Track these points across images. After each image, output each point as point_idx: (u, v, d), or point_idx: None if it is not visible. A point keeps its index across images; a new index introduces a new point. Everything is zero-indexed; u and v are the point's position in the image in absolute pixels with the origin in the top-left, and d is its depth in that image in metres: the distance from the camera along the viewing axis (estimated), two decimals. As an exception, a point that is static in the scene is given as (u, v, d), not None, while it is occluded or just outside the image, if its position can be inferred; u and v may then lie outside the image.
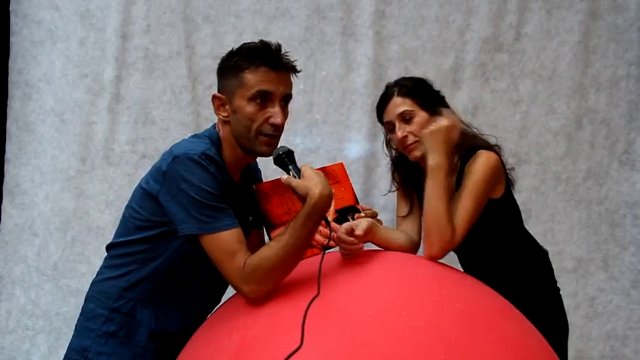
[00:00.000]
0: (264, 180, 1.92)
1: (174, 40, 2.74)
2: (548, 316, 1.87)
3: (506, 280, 1.83)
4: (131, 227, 1.71)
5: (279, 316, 1.43)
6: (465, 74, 2.78)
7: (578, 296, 2.80)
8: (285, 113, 1.67)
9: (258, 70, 1.62)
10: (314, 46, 2.76)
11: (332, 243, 1.60)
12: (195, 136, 1.74)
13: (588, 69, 2.81)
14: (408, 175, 2.00)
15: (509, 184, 1.91)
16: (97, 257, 2.52)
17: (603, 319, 2.81)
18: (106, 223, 2.69)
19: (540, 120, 2.80)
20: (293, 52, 1.69)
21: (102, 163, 2.73)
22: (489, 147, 1.86)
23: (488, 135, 1.95)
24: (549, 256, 2.02)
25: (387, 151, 2.05)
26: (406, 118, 1.86)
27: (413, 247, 1.90)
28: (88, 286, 1.80)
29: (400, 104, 1.87)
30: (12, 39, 2.78)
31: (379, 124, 2.01)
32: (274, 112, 1.63)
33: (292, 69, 1.67)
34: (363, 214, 1.81)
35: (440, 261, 1.71)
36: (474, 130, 1.95)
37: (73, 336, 1.77)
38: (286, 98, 1.68)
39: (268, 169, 1.83)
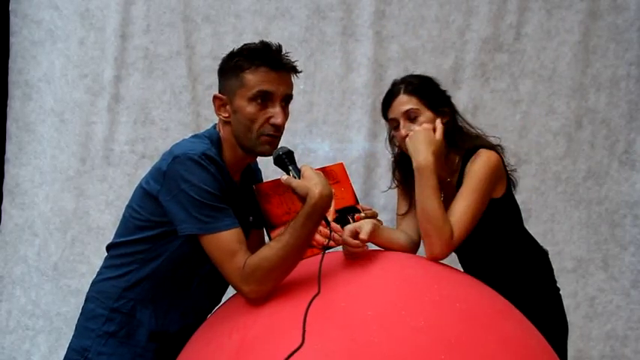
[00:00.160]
0: (264, 180, 1.92)
1: (174, 40, 2.74)
2: (548, 316, 1.87)
3: (506, 280, 1.83)
4: (131, 227, 1.71)
5: (279, 316, 1.43)
6: (465, 74, 2.78)
7: (578, 296, 2.80)
8: (285, 113, 1.67)
9: (258, 71, 1.62)
10: (314, 46, 2.76)
11: (332, 243, 1.60)
12: (195, 136, 1.74)
13: (588, 69, 2.81)
14: (409, 173, 1.99)
15: (509, 184, 1.91)
16: (97, 257, 2.52)
17: (603, 319, 2.82)
18: (106, 223, 2.69)
19: (540, 120, 2.80)
20: (293, 52, 1.69)
21: (102, 163, 2.73)
22: (490, 147, 1.86)
23: (492, 136, 1.95)
24: (549, 256, 2.02)
25: (389, 148, 2.05)
26: (411, 116, 1.85)
27: (413, 247, 1.90)
28: (88, 286, 1.80)
29: (406, 102, 1.85)
30: (12, 39, 2.78)
31: (379, 124, 2.01)
32: (275, 112, 1.63)
33: (293, 69, 1.67)
34: (363, 214, 1.80)
35: (440, 261, 1.71)
36: (478, 130, 1.94)
37: (73, 336, 1.77)
38: (287, 98, 1.68)
39: (268, 169, 1.82)
